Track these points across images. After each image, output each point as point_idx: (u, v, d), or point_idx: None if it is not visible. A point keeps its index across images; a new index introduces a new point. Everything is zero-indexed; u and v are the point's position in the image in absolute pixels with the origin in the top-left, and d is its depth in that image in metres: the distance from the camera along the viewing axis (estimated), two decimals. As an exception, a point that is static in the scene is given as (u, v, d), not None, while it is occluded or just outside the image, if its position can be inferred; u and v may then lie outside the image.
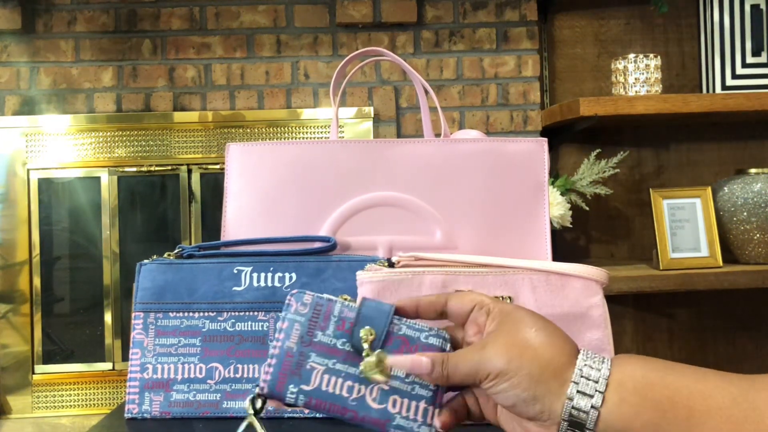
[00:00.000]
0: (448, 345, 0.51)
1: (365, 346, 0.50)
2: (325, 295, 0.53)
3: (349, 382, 0.50)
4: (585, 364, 0.45)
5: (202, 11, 1.89)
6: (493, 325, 0.49)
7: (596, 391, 0.44)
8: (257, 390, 0.51)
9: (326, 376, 0.50)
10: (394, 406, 0.50)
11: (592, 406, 0.43)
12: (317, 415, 0.70)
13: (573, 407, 0.44)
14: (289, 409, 0.54)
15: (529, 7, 1.94)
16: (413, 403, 0.50)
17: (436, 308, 0.52)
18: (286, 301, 0.52)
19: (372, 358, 0.49)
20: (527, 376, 0.45)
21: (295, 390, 0.50)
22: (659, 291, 1.70)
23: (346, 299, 0.53)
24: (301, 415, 0.70)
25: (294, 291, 0.53)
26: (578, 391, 0.44)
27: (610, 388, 0.44)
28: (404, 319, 0.52)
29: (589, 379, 0.44)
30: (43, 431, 1.75)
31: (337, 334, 0.51)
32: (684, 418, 0.42)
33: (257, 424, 0.50)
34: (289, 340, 0.51)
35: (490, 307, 0.50)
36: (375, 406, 0.50)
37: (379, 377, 0.49)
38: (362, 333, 0.50)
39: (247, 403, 0.50)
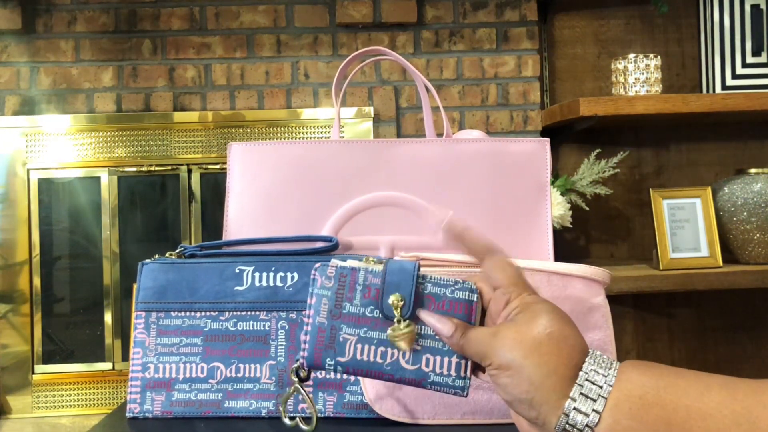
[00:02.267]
0: (476, 296, 0.52)
1: (396, 313, 0.51)
2: (348, 263, 0.54)
3: (382, 348, 0.52)
4: (587, 379, 0.44)
5: (202, 11, 1.89)
6: (511, 314, 0.48)
7: (593, 410, 0.43)
8: (298, 363, 0.53)
9: (359, 345, 0.52)
10: (427, 365, 0.51)
11: (587, 425, 0.43)
12: (318, 415, 0.70)
13: (568, 423, 0.43)
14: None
15: (529, 7, 1.94)
16: (445, 360, 0.51)
17: (477, 255, 0.52)
18: (311, 276, 0.53)
19: (402, 328, 0.51)
20: (528, 380, 0.44)
21: (332, 362, 0.52)
22: (659, 291, 1.70)
23: (369, 261, 0.54)
24: (303, 414, 0.70)
25: (318, 264, 0.54)
26: (575, 408, 0.43)
27: (606, 408, 0.43)
28: (428, 275, 0.53)
29: (588, 397, 0.43)
30: (43, 431, 1.75)
31: (365, 303, 0.52)
32: None
33: (303, 391, 0.54)
34: (319, 315, 0.52)
35: (511, 297, 0.49)
36: (409, 367, 0.51)
37: (404, 345, 0.51)
38: (392, 300, 0.52)
39: (292, 373, 0.54)
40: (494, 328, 0.48)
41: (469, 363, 0.51)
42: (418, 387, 0.52)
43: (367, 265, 0.54)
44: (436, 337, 0.51)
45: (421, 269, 0.53)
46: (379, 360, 0.51)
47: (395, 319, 0.51)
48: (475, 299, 0.52)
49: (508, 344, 0.46)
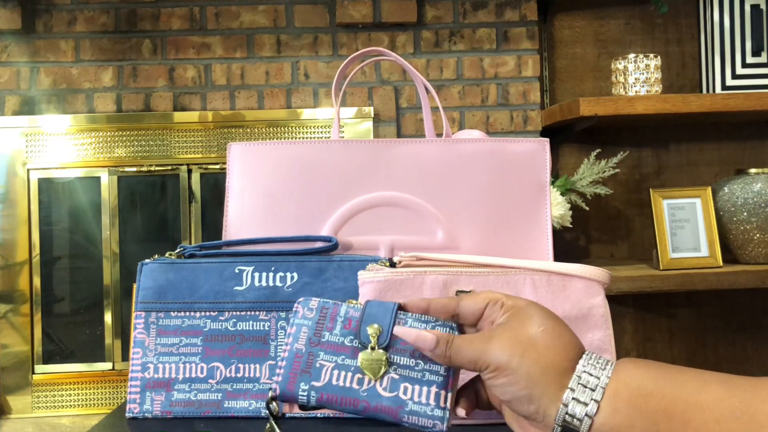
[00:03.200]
0: (456, 332, 0.52)
1: (372, 340, 0.51)
2: (331, 301, 0.54)
3: (359, 375, 0.51)
4: (584, 371, 0.45)
5: (202, 11, 1.89)
6: (503, 317, 0.49)
7: (592, 399, 0.43)
8: (270, 393, 0.52)
9: (336, 371, 0.51)
10: (405, 393, 0.50)
11: (586, 414, 0.43)
12: (318, 415, 0.70)
13: (567, 413, 0.44)
14: (303, 413, 0.54)
15: (529, 7, 1.94)
16: (425, 389, 0.50)
17: (447, 310, 0.52)
18: (294, 309, 0.54)
19: (374, 355, 0.51)
20: (526, 376, 0.45)
21: (306, 387, 0.51)
22: (659, 291, 1.70)
23: (351, 303, 0.54)
24: (303, 415, 0.70)
25: (301, 299, 0.54)
26: (573, 398, 0.44)
27: (605, 397, 0.43)
28: (410, 313, 0.53)
29: (586, 387, 0.44)
30: (43, 431, 1.75)
31: (344, 333, 0.52)
32: (679, 431, 0.41)
33: (274, 426, 0.53)
34: (298, 342, 0.52)
35: (503, 301, 0.49)
36: (386, 394, 0.50)
37: (372, 372, 0.51)
38: (369, 330, 0.52)
39: (264, 407, 0.52)
40: (487, 332, 0.48)
41: (450, 395, 0.50)
42: (394, 418, 0.50)
43: (349, 304, 0.54)
44: (416, 367, 0.51)
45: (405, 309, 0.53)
46: (355, 386, 0.51)
47: (369, 346, 0.51)
48: (456, 335, 0.51)
49: (505, 345, 0.46)
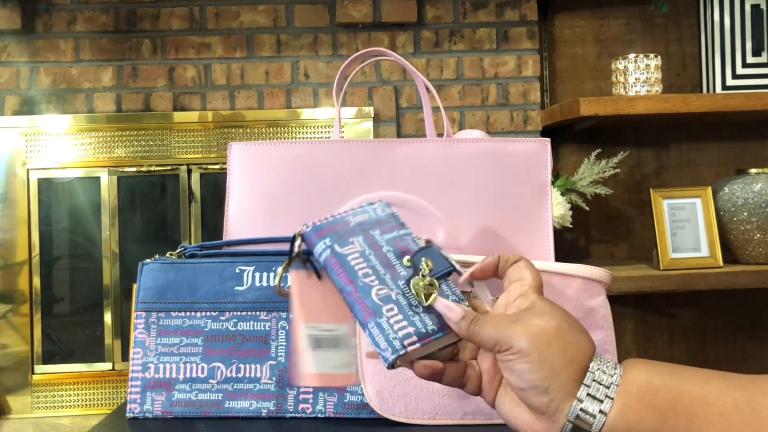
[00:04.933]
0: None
1: (425, 267, 0.52)
2: (402, 220, 0.57)
3: (370, 271, 0.52)
4: (599, 369, 0.45)
5: (202, 11, 1.89)
6: (526, 303, 0.49)
7: (606, 396, 0.44)
8: (302, 227, 0.55)
9: (357, 255, 0.53)
10: (389, 311, 0.50)
11: (600, 411, 0.44)
12: (318, 416, 0.70)
13: (581, 409, 0.44)
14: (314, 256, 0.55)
15: (529, 7, 1.93)
16: (404, 323, 0.50)
17: (507, 264, 0.53)
18: (374, 200, 0.57)
19: (425, 282, 0.52)
20: (549, 367, 0.45)
21: (328, 243, 0.53)
22: (659, 291, 1.70)
23: (419, 238, 0.56)
24: (303, 415, 0.70)
25: (385, 200, 0.58)
26: (588, 395, 0.44)
27: (617, 394, 0.44)
28: (451, 282, 0.53)
29: (601, 384, 0.44)
30: (43, 431, 1.75)
31: (391, 243, 0.54)
32: (685, 425, 0.42)
33: (296, 253, 0.55)
34: (354, 218, 0.55)
35: (527, 292, 0.50)
36: (375, 298, 0.51)
37: (424, 295, 0.51)
38: (423, 262, 0.53)
39: (297, 239, 0.55)
40: (514, 315, 0.48)
41: (418, 346, 0.49)
42: (362, 320, 0.50)
43: (415, 237, 0.55)
44: (416, 308, 0.51)
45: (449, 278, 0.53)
46: (360, 273, 0.52)
47: (420, 272, 0.52)
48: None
49: (531, 331, 0.46)
